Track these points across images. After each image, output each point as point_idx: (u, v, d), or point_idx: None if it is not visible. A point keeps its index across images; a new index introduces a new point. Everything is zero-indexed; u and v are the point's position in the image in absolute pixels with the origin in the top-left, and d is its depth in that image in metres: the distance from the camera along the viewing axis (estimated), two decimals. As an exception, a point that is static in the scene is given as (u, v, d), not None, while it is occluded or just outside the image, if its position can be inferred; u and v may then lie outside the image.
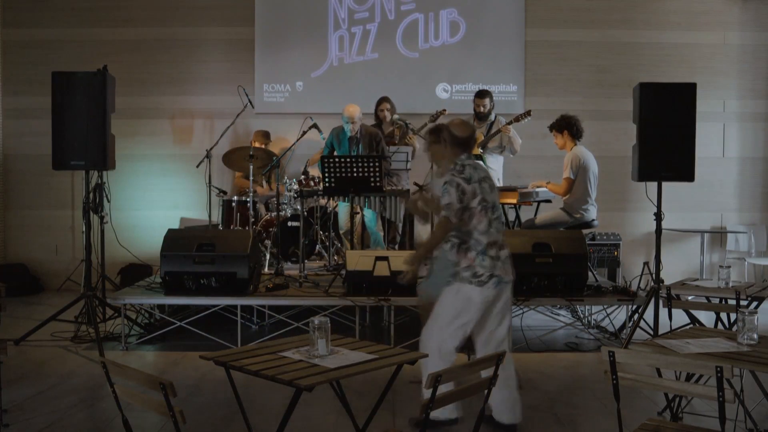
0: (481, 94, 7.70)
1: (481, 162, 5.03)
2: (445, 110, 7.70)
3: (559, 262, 5.90)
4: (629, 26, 8.77)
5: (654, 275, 6.07)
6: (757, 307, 4.63)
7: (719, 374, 2.54)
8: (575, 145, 6.80)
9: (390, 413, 4.29)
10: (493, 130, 7.62)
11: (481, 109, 7.64)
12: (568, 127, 6.79)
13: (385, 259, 5.86)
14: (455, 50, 8.76)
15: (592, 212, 6.76)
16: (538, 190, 6.91)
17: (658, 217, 5.96)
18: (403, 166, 7.22)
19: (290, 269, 6.91)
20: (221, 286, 5.85)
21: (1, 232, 8.86)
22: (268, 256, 7.11)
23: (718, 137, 8.81)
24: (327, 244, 7.29)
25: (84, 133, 5.91)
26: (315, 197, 7.09)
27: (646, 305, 5.89)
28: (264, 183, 7.99)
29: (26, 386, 4.80)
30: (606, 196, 8.16)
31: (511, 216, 7.30)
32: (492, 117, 7.72)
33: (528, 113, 7.37)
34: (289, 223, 7.45)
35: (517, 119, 7.41)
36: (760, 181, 8.90)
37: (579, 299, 5.97)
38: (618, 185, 8.49)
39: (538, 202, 7.16)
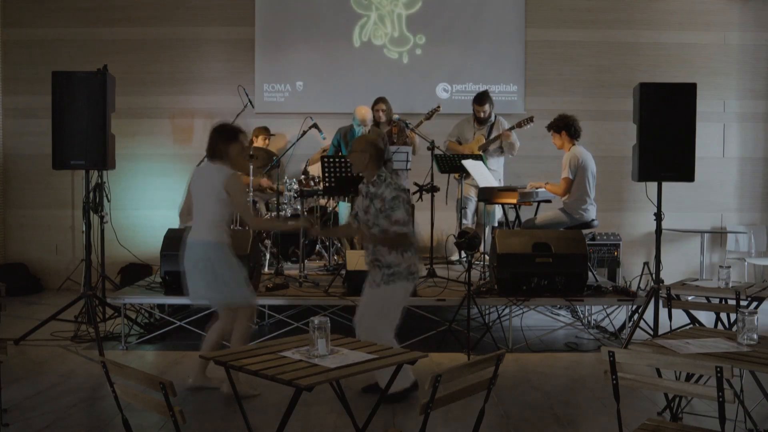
0: (480, 101, 7.55)
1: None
2: (439, 107, 7.69)
3: (559, 262, 5.91)
4: (629, 26, 8.77)
5: (654, 275, 6.07)
6: (757, 307, 4.63)
7: (719, 374, 2.54)
8: (573, 145, 6.80)
9: (390, 413, 4.29)
10: (494, 131, 7.61)
11: (482, 115, 7.60)
12: (565, 127, 6.79)
13: (385, 259, 5.83)
14: (455, 50, 8.75)
15: (591, 212, 6.76)
16: (538, 190, 6.91)
17: (658, 217, 5.96)
18: (403, 166, 7.21)
19: (290, 269, 6.90)
20: (221, 286, 5.83)
21: (1, 232, 8.86)
22: (268, 256, 7.12)
23: (718, 137, 8.81)
24: (327, 244, 7.29)
25: (84, 132, 5.91)
26: (315, 197, 7.08)
27: (646, 305, 5.89)
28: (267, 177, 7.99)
29: (26, 386, 4.80)
30: (606, 196, 8.17)
31: (511, 216, 7.30)
32: (492, 118, 7.70)
33: (530, 119, 7.35)
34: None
35: (519, 125, 7.39)
36: (760, 181, 8.90)
37: (579, 299, 5.98)
38: (618, 185, 8.50)
39: (538, 202, 7.15)
